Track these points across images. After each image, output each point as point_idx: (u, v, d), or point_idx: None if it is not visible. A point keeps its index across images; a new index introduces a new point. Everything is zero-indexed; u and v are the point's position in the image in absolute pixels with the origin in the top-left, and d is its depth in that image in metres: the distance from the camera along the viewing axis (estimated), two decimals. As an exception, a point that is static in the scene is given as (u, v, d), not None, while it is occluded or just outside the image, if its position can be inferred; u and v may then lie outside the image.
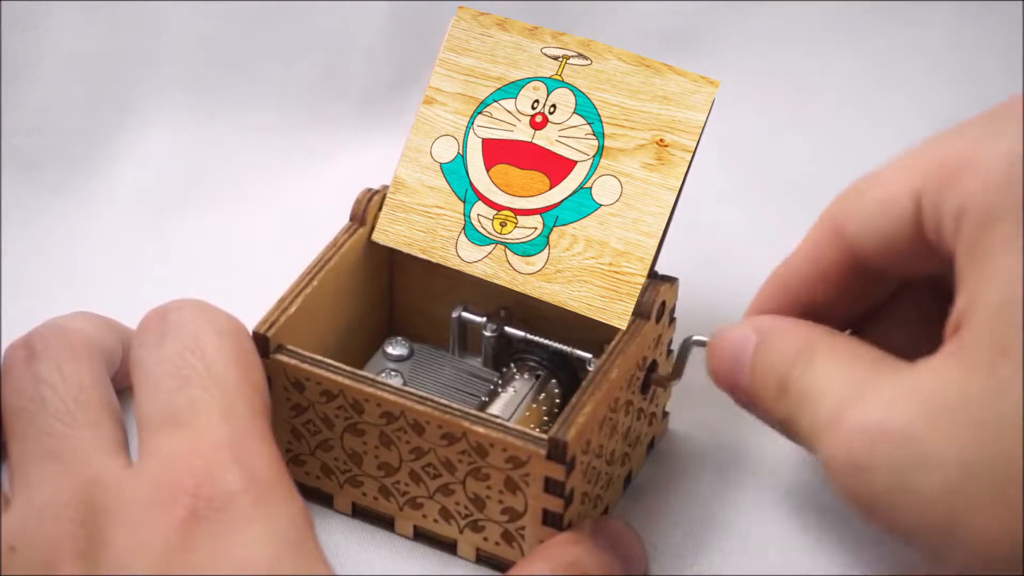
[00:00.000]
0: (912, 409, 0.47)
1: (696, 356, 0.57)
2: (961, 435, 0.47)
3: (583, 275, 0.58)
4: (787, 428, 0.52)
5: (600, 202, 0.59)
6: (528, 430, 0.54)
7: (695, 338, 0.57)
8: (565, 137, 0.59)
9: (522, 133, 0.60)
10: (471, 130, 0.60)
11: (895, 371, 0.49)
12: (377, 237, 0.61)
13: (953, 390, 0.47)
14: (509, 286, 0.59)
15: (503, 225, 0.59)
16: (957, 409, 0.47)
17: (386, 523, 0.59)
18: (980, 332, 0.47)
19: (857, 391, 0.49)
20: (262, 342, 0.56)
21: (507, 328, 0.61)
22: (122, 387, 0.56)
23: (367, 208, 0.61)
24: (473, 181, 0.60)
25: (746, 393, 0.54)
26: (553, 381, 0.60)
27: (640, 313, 0.57)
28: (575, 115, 0.59)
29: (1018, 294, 0.46)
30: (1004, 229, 0.47)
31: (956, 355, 0.47)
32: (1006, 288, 0.47)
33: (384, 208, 0.61)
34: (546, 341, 0.61)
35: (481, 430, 0.54)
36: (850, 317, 0.55)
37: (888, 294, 0.55)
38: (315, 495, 0.59)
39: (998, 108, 0.50)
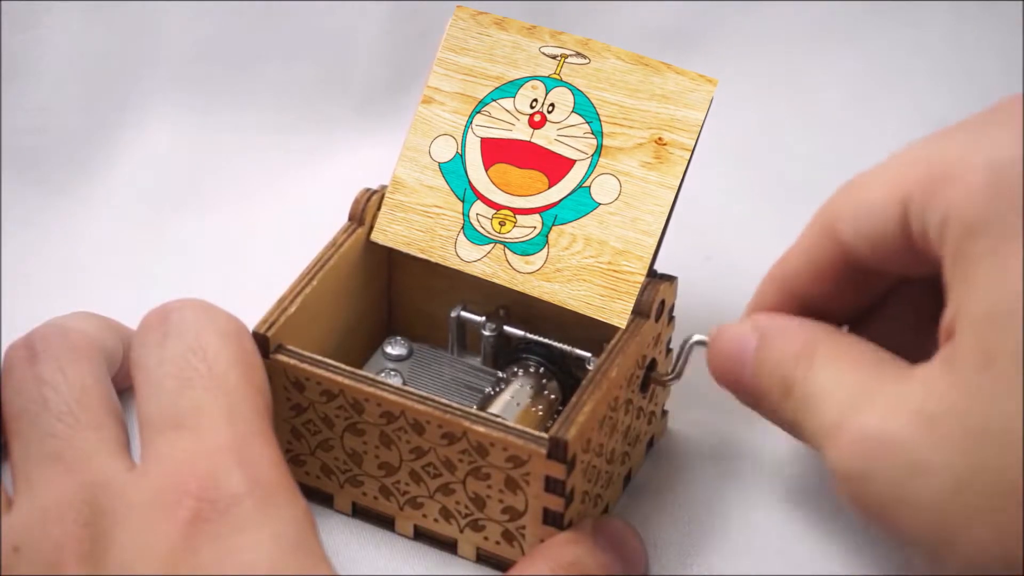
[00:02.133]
0: (907, 419, 0.48)
1: (694, 353, 0.57)
2: (952, 445, 0.47)
3: (582, 274, 0.58)
4: (794, 430, 0.52)
5: (599, 201, 0.59)
6: (528, 429, 0.54)
7: (696, 338, 0.57)
8: (564, 136, 0.59)
9: (521, 132, 0.60)
10: (470, 129, 0.60)
11: (894, 378, 0.49)
12: (376, 237, 0.61)
13: (943, 400, 0.47)
14: (508, 285, 0.59)
15: (502, 224, 0.59)
16: (948, 419, 0.47)
17: (386, 523, 0.59)
18: (967, 342, 0.47)
19: (857, 399, 0.50)
20: (262, 342, 0.56)
21: (506, 327, 0.61)
22: (122, 387, 0.56)
23: (366, 208, 0.61)
24: (472, 180, 0.60)
25: (750, 393, 0.54)
26: (553, 380, 0.60)
27: (639, 312, 0.58)
28: (574, 114, 0.59)
29: (1002, 304, 0.47)
30: (987, 239, 0.47)
31: (946, 364, 0.48)
32: (990, 298, 0.47)
33: (383, 208, 0.61)
34: (546, 340, 0.61)
35: (481, 429, 0.54)
36: (849, 313, 0.55)
37: (885, 290, 0.55)
38: (315, 495, 0.59)
39: (987, 111, 0.50)
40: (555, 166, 0.59)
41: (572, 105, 0.60)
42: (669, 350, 0.61)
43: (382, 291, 0.63)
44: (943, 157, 0.49)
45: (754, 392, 0.54)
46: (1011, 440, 0.46)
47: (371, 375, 0.56)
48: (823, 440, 0.50)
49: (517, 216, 0.59)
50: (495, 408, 0.59)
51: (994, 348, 0.47)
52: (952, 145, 0.50)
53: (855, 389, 0.50)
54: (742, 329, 0.54)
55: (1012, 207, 0.47)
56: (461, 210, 0.60)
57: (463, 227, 0.60)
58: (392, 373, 0.62)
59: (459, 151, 0.60)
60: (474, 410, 0.55)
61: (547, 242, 0.59)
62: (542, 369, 0.60)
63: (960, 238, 0.48)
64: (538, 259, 0.59)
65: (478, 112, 0.60)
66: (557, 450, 0.53)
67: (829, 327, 0.53)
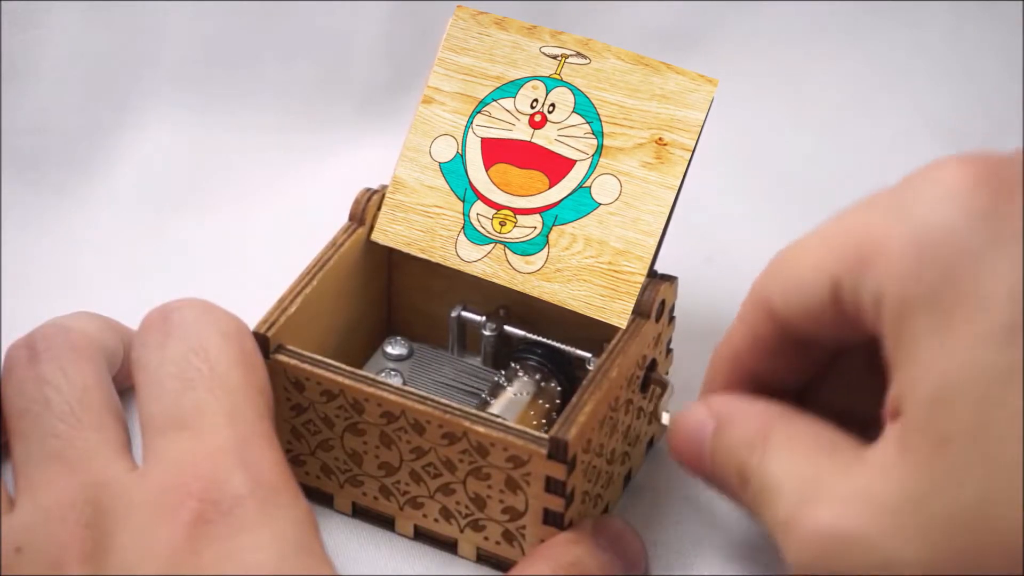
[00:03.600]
0: (863, 512, 0.47)
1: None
2: (919, 536, 0.46)
3: (582, 274, 0.58)
4: (756, 520, 0.52)
5: (599, 201, 0.59)
6: (529, 429, 0.54)
7: (663, 418, 0.57)
8: (564, 136, 0.59)
9: (521, 132, 0.60)
10: (470, 129, 0.60)
11: (846, 465, 0.49)
12: (376, 237, 0.61)
13: (900, 488, 0.47)
14: (508, 285, 0.59)
15: (502, 224, 0.59)
16: (909, 508, 0.46)
17: (386, 523, 0.59)
18: (918, 423, 0.47)
19: (810, 491, 0.49)
20: (262, 342, 0.56)
21: (506, 327, 0.61)
22: (123, 387, 0.56)
23: (366, 208, 0.61)
24: (472, 180, 0.60)
25: (711, 480, 0.54)
26: (553, 380, 0.60)
27: (640, 312, 0.58)
28: (574, 114, 0.59)
29: (949, 384, 0.46)
30: (924, 317, 0.47)
31: (898, 448, 0.47)
32: (937, 378, 0.46)
33: (383, 208, 0.61)
34: (546, 340, 0.61)
35: (482, 429, 0.54)
36: (800, 381, 0.55)
37: (832, 356, 0.54)
38: (315, 495, 0.59)
39: (910, 177, 0.49)
40: (555, 166, 0.59)
41: (572, 105, 0.60)
42: (669, 350, 0.61)
43: (382, 291, 0.63)
44: (869, 231, 0.49)
45: (714, 480, 0.54)
46: (980, 523, 0.46)
47: (371, 375, 0.56)
48: (779, 535, 0.50)
49: (517, 216, 0.59)
50: (495, 408, 0.59)
51: (947, 429, 0.46)
52: (877, 218, 0.49)
53: (807, 479, 0.49)
54: (699, 415, 0.54)
55: (944, 281, 0.47)
56: (461, 210, 0.60)
57: (463, 227, 0.60)
58: (392, 373, 0.62)
59: (459, 151, 0.60)
60: (474, 410, 0.55)
61: (547, 242, 0.59)
62: (542, 369, 0.60)
63: (897, 317, 0.47)
64: (538, 259, 0.59)
65: (478, 112, 0.60)
66: (558, 450, 0.53)
67: (782, 408, 0.53)
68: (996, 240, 0.47)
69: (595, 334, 0.58)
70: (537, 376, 0.60)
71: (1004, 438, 0.46)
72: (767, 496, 0.50)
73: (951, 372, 0.46)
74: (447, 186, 0.60)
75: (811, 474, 0.49)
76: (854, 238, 0.49)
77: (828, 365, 0.55)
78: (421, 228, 0.60)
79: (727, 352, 0.55)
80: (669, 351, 0.61)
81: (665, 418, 0.57)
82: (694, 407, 0.55)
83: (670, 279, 0.59)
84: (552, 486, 0.54)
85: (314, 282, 0.58)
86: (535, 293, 0.59)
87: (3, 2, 0.73)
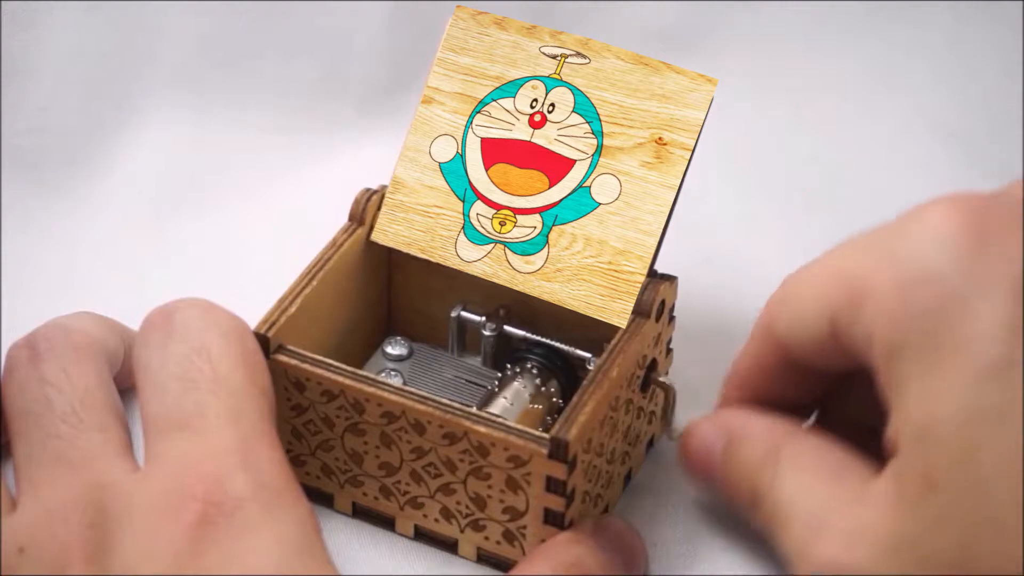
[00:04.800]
0: (864, 549, 0.48)
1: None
2: (914, 573, 0.47)
3: (582, 274, 0.58)
4: (768, 539, 0.53)
5: (599, 201, 0.59)
6: (530, 429, 0.54)
7: (673, 430, 0.58)
8: (564, 136, 0.59)
9: (521, 132, 0.60)
10: (470, 129, 0.60)
11: (851, 497, 0.50)
12: (376, 237, 0.61)
13: (895, 528, 0.48)
14: (508, 285, 0.59)
15: (502, 224, 0.59)
16: (902, 549, 0.48)
17: (387, 523, 0.59)
18: (909, 464, 0.48)
19: (817, 523, 0.50)
20: (262, 342, 0.56)
21: (506, 327, 0.61)
22: (123, 387, 0.56)
23: (366, 208, 0.61)
24: (472, 180, 0.60)
25: (722, 494, 0.56)
26: (553, 380, 0.60)
27: (640, 312, 0.58)
28: (574, 114, 0.59)
29: (933, 428, 0.47)
30: (910, 362, 0.48)
31: (894, 486, 0.48)
32: (922, 422, 0.47)
33: (383, 208, 0.61)
34: (546, 340, 0.61)
35: (482, 429, 0.54)
36: (814, 399, 0.56)
37: (840, 378, 0.55)
38: (315, 495, 0.59)
39: (902, 217, 0.50)
40: (555, 166, 0.59)
41: (572, 105, 0.60)
42: (669, 350, 0.61)
43: (382, 291, 0.63)
44: (858, 273, 0.50)
45: (726, 495, 0.55)
46: (966, 567, 0.47)
47: (371, 375, 0.56)
48: (792, 562, 0.51)
49: (517, 216, 0.59)
50: (496, 408, 0.59)
51: (933, 471, 0.47)
52: (868, 257, 0.50)
53: (816, 509, 0.51)
54: (709, 430, 0.56)
55: (929, 324, 0.48)
56: (461, 210, 0.60)
57: (463, 227, 0.60)
58: (392, 373, 0.62)
59: (459, 151, 0.60)
60: (475, 410, 0.55)
61: (547, 242, 0.59)
62: (542, 369, 0.60)
63: (886, 359, 0.48)
64: (538, 259, 0.59)
65: (478, 112, 0.60)
66: (558, 450, 0.53)
67: (793, 428, 0.54)
68: (980, 284, 0.47)
69: (595, 334, 0.58)
70: (537, 376, 0.60)
71: (987, 480, 0.47)
72: (779, 522, 0.52)
73: (936, 414, 0.47)
74: (447, 186, 0.60)
75: (819, 503, 0.51)
76: (847, 276, 0.50)
77: (843, 381, 0.55)
78: (421, 228, 0.60)
79: (737, 374, 0.56)
80: (669, 351, 0.61)
81: (675, 432, 0.58)
82: (705, 422, 0.56)
83: (670, 279, 0.59)
84: (553, 486, 0.54)
85: (314, 282, 0.58)
86: (535, 293, 0.59)
87: (3, 2, 0.73)
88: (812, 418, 0.57)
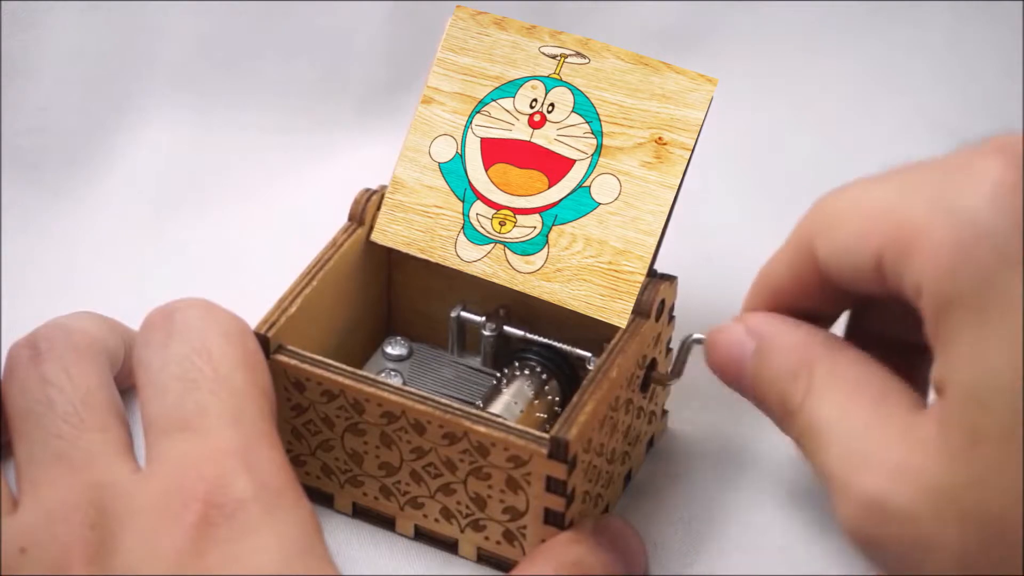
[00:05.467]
0: (909, 488, 0.48)
1: (694, 352, 0.57)
2: (954, 526, 0.47)
3: (582, 274, 0.58)
4: (799, 453, 0.52)
5: (599, 201, 0.59)
6: (530, 429, 0.54)
7: (695, 336, 0.57)
8: (564, 136, 0.59)
9: (520, 132, 0.60)
10: (469, 129, 0.60)
11: (897, 432, 0.49)
12: (376, 237, 0.61)
13: (941, 474, 0.47)
14: (508, 285, 0.59)
15: (502, 224, 0.59)
16: (947, 497, 0.47)
17: (387, 523, 0.59)
18: (956, 415, 0.47)
19: (858, 454, 0.49)
20: (262, 342, 0.56)
21: (506, 327, 0.61)
22: (124, 387, 0.56)
23: (366, 208, 0.61)
24: (472, 180, 0.60)
25: (752, 399, 0.54)
26: (553, 380, 0.60)
27: (640, 311, 0.58)
28: (573, 114, 0.59)
29: (984, 382, 0.47)
30: (962, 312, 0.47)
31: (940, 432, 0.48)
32: (973, 375, 0.47)
33: (383, 208, 0.61)
34: (546, 340, 0.61)
35: (483, 429, 0.54)
36: (842, 309, 0.55)
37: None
38: (316, 495, 0.59)
39: (955, 161, 0.49)
40: (555, 166, 0.59)
41: (572, 105, 0.60)
42: (669, 350, 0.61)
43: (382, 291, 0.63)
44: (911, 217, 0.49)
45: (755, 400, 0.54)
46: (1004, 526, 0.46)
47: (371, 375, 0.56)
48: (830, 492, 0.50)
49: (517, 216, 0.59)
50: (496, 408, 0.59)
51: (980, 427, 0.47)
52: (919, 203, 0.49)
53: (855, 435, 0.50)
54: (737, 333, 0.54)
55: (982, 283, 0.47)
56: (461, 210, 0.60)
57: (463, 227, 0.60)
58: (392, 373, 0.62)
59: (459, 151, 0.60)
60: (475, 410, 0.55)
61: (547, 242, 0.59)
62: (542, 369, 0.60)
63: (936, 309, 0.48)
64: (538, 259, 0.59)
65: (478, 112, 0.60)
66: (558, 450, 0.53)
67: (826, 338, 0.53)
68: None
69: (595, 334, 0.58)
70: (537, 376, 0.60)
71: None
72: (814, 442, 0.51)
73: (986, 373, 0.47)
74: (447, 186, 0.60)
75: (861, 430, 0.50)
76: (896, 220, 0.49)
77: (872, 301, 0.54)
78: (421, 228, 0.60)
79: (767, 282, 0.55)
80: (669, 351, 0.61)
81: (698, 336, 0.56)
82: (732, 324, 0.55)
83: (670, 279, 0.59)
84: (553, 486, 0.54)
85: (314, 282, 0.58)
86: (535, 293, 0.59)
87: (3, 2, 0.73)
88: (842, 329, 0.56)
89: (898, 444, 0.49)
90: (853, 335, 0.56)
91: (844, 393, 0.51)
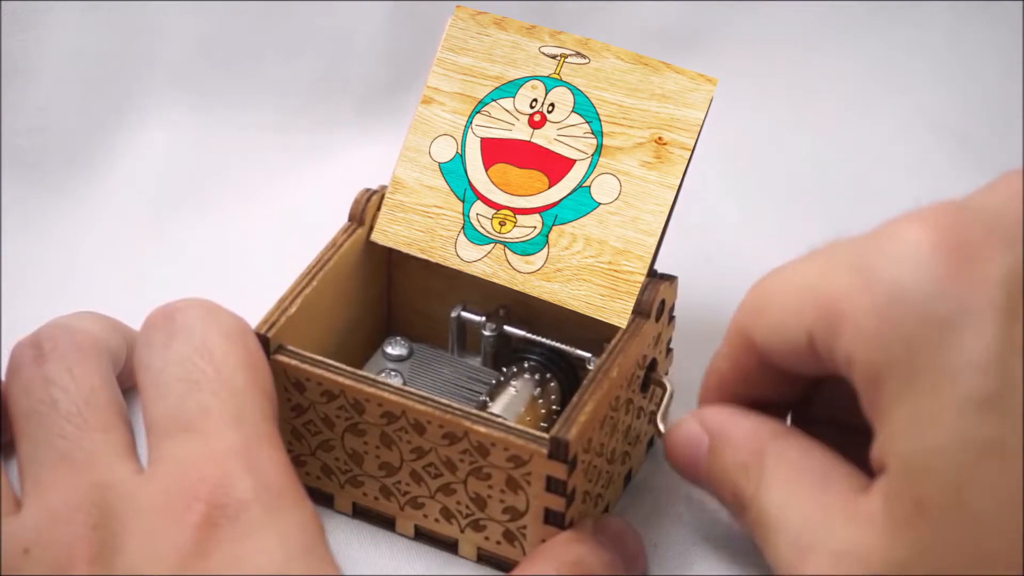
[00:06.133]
0: (859, 570, 0.48)
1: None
2: None
3: (582, 274, 0.58)
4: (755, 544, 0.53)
5: (599, 201, 0.59)
6: (530, 429, 0.54)
7: (659, 427, 0.57)
8: (564, 136, 0.59)
9: (521, 132, 0.60)
10: (469, 129, 0.60)
11: (840, 515, 0.49)
12: (376, 237, 0.61)
13: (886, 551, 0.47)
14: (508, 285, 0.59)
15: (502, 224, 0.59)
16: (895, 570, 0.47)
17: (387, 523, 0.59)
18: (897, 488, 0.47)
19: (806, 539, 0.49)
20: (262, 342, 0.56)
21: (506, 327, 0.61)
22: (125, 387, 0.56)
23: (366, 208, 0.61)
24: (472, 180, 0.60)
25: (713, 495, 0.55)
26: (553, 380, 0.60)
27: (640, 311, 0.58)
28: (573, 114, 0.59)
29: (921, 454, 0.47)
30: (892, 385, 0.47)
31: (883, 507, 0.48)
32: (909, 447, 0.47)
33: (383, 208, 0.61)
34: (546, 340, 0.61)
35: (483, 429, 0.54)
36: (793, 398, 0.55)
37: (819, 378, 0.54)
38: (316, 495, 0.59)
39: (874, 233, 0.49)
40: (555, 166, 0.59)
41: (572, 105, 0.60)
42: (669, 350, 0.61)
43: (382, 291, 0.63)
44: (833, 293, 0.49)
45: (715, 495, 0.55)
46: None
47: (371, 375, 0.56)
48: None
49: (517, 216, 0.59)
50: (496, 408, 0.59)
51: (923, 497, 0.47)
52: (842, 277, 0.49)
53: (803, 524, 0.50)
54: (693, 430, 0.55)
55: (910, 350, 0.47)
56: (461, 210, 0.60)
57: (463, 227, 0.60)
58: (392, 373, 0.62)
59: (459, 151, 0.60)
60: (475, 410, 0.55)
61: (547, 242, 0.59)
62: (542, 369, 0.60)
63: (868, 381, 0.48)
64: (538, 259, 0.59)
65: (478, 112, 0.61)
66: (558, 450, 0.53)
67: (775, 429, 0.53)
68: (960, 308, 0.47)
69: (595, 334, 0.58)
70: (537, 376, 0.60)
71: (981, 513, 0.46)
72: (766, 532, 0.51)
73: (927, 443, 0.47)
74: (447, 186, 0.60)
75: (806, 517, 0.50)
76: (821, 294, 0.49)
77: (821, 380, 0.55)
78: (421, 228, 0.60)
79: (715, 375, 0.55)
80: (669, 351, 0.61)
81: (661, 427, 0.57)
82: (687, 420, 0.55)
83: (670, 279, 0.59)
84: (553, 486, 0.54)
85: (314, 282, 0.58)
86: (535, 293, 0.59)
87: (3, 2, 0.73)
88: (789, 417, 0.56)
89: (842, 527, 0.49)
90: (804, 421, 0.56)
91: (790, 481, 0.51)
